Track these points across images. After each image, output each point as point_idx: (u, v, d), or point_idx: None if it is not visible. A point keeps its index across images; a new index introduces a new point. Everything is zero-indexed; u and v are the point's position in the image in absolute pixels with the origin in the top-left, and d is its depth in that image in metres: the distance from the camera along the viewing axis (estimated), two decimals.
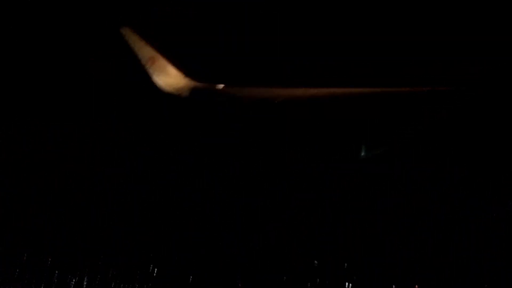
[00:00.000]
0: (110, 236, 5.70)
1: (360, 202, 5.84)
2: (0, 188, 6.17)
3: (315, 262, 5.42)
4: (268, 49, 7.39)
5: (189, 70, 7.09)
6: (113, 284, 5.42)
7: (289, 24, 7.42)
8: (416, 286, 5.18)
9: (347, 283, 5.30)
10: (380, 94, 6.40)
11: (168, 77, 6.97)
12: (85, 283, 5.42)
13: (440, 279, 5.16)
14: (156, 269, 5.48)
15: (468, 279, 5.05)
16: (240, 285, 5.37)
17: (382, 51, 7.50)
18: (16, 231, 5.84)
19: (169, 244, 5.62)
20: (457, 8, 7.06)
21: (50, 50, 7.00)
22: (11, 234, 5.81)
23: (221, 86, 6.92)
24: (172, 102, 6.77)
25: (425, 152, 5.99)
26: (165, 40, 7.45)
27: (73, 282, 5.40)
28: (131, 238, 5.69)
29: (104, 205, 5.98)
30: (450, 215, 5.59)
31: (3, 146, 6.44)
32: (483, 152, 5.82)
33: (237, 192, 5.97)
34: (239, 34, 7.35)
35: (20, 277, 5.50)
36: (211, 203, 5.92)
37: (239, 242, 5.58)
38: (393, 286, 5.19)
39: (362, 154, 6.14)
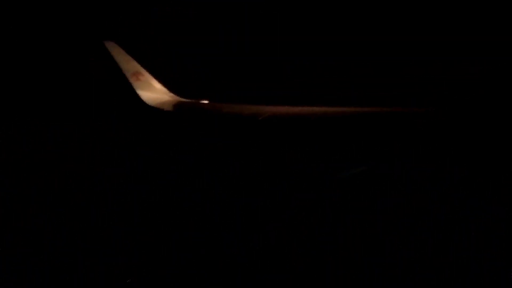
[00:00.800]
0: (110, 236, 5.69)
1: (360, 202, 5.84)
2: (0, 188, 6.17)
3: (315, 262, 5.41)
4: (268, 49, 7.38)
5: (186, 72, 7.10)
6: (113, 284, 5.41)
7: (289, 24, 7.40)
8: None
9: (347, 283, 5.30)
10: (365, 113, 6.40)
11: (153, 92, 7.01)
12: (85, 283, 5.41)
13: (440, 279, 5.15)
14: (156, 269, 5.47)
15: (468, 279, 5.05)
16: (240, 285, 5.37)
17: (382, 51, 7.49)
18: (16, 231, 5.84)
19: (169, 244, 5.61)
20: (458, 8, 7.05)
21: (50, 50, 7.00)
22: (11, 234, 5.80)
23: (205, 102, 6.96)
24: (156, 116, 6.79)
25: (425, 152, 5.98)
26: (165, 40, 7.46)
27: (72, 282, 5.40)
28: (131, 238, 5.69)
29: (104, 205, 5.98)
30: (450, 215, 5.59)
31: (3, 146, 6.45)
32: (483, 152, 5.82)
33: (237, 192, 5.97)
34: (239, 34, 7.34)
35: (19, 277, 5.49)
36: (211, 203, 5.91)
37: (239, 242, 5.57)
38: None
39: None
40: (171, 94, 7.09)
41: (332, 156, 6.16)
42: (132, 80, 6.95)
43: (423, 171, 5.92)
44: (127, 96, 6.82)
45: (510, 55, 6.51)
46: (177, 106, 6.90)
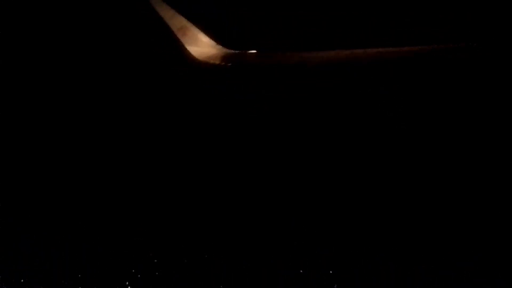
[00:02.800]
0: (110, 236, 5.72)
1: (359, 201, 5.84)
2: (0, 188, 6.19)
3: (316, 262, 5.43)
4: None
5: (222, 38, 6.96)
6: (112, 285, 5.45)
7: None
8: None
9: (347, 283, 5.33)
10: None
11: (201, 47, 6.90)
12: (84, 283, 5.45)
13: (440, 279, 5.18)
14: (155, 270, 5.50)
15: (468, 279, 5.07)
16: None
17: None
18: (16, 231, 5.87)
19: (169, 244, 5.64)
20: None
21: (51, 48, 6.98)
22: (10, 234, 5.83)
23: (253, 52, 6.77)
24: (206, 71, 6.71)
25: (424, 151, 5.98)
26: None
27: (71, 283, 5.43)
28: (131, 238, 5.71)
29: (104, 205, 5.99)
30: (450, 215, 5.60)
31: (3, 146, 6.45)
32: (483, 152, 5.81)
33: (237, 192, 5.97)
34: None
35: (18, 278, 5.53)
36: (211, 203, 5.92)
37: (240, 242, 5.60)
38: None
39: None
40: (219, 47, 6.92)
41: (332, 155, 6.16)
42: (179, 35, 6.86)
43: (422, 169, 5.91)
44: (175, 52, 6.76)
45: None
46: (226, 58, 6.76)
